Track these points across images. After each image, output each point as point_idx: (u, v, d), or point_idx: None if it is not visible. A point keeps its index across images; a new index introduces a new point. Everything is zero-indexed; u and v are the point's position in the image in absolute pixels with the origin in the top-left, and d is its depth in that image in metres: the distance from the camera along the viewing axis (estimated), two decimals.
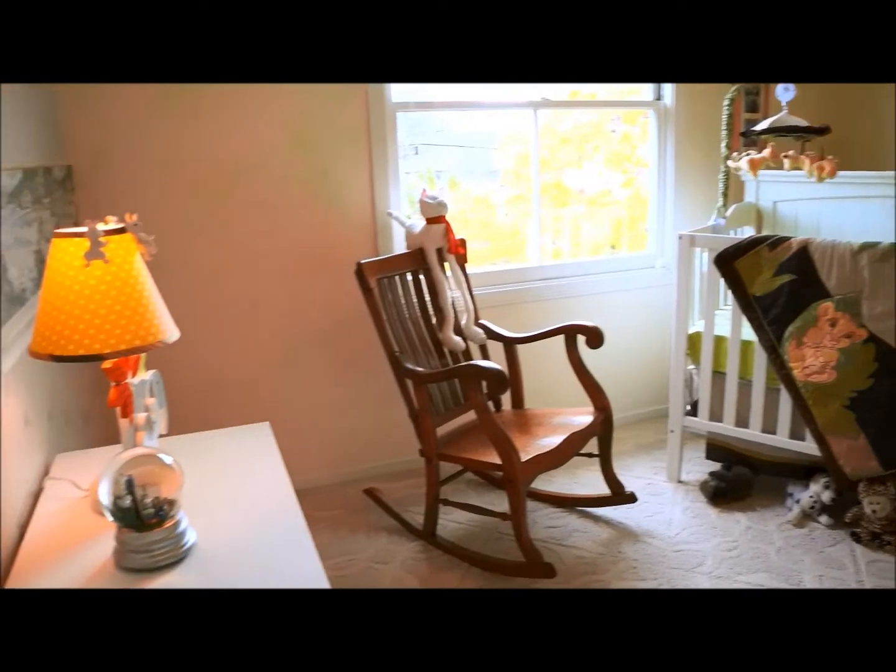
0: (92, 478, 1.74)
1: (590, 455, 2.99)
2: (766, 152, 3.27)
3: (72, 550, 1.52)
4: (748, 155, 3.34)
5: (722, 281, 3.02)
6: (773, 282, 2.86)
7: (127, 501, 1.42)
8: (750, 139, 3.50)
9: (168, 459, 1.50)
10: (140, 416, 1.69)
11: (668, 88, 3.80)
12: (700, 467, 3.42)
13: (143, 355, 1.78)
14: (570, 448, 2.74)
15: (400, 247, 3.30)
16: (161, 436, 1.85)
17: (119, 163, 2.85)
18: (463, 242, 3.17)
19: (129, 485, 1.43)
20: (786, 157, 3.24)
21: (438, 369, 2.95)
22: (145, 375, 1.77)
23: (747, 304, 2.93)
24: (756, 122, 3.56)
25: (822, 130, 3.23)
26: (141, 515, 1.43)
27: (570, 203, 3.95)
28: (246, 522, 1.60)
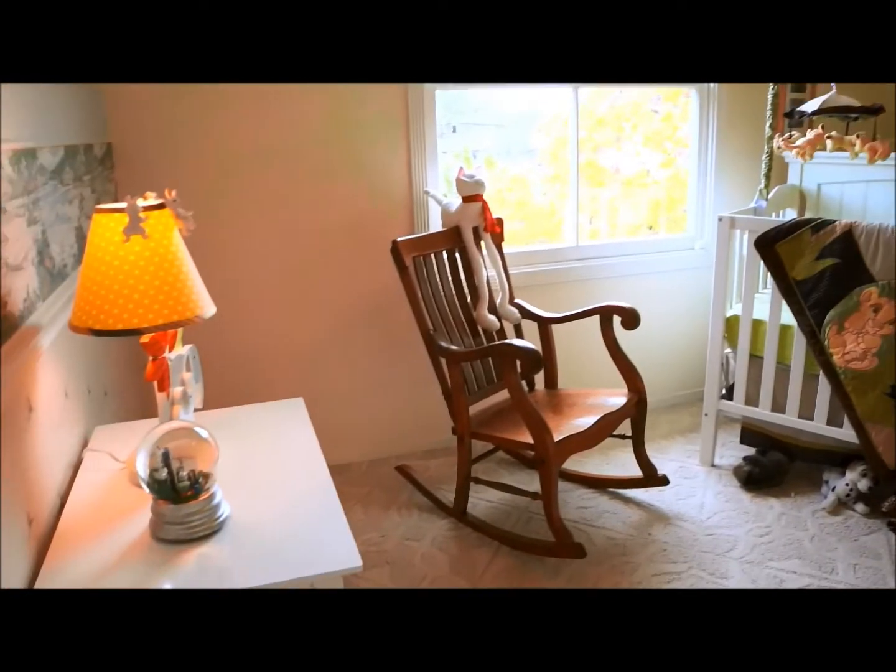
0: (129, 450, 1.77)
1: (623, 437, 2.98)
2: (812, 134, 3.19)
3: (109, 521, 1.55)
4: (790, 136, 3.27)
5: (762, 264, 2.97)
6: (815, 266, 2.80)
7: (163, 474, 1.45)
8: (795, 120, 3.42)
9: (204, 433, 1.52)
10: (177, 391, 1.72)
11: None
12: (734, 452, 3.39)
13: (180, 330, 1.80)
14: (604, 429, 2.73)
15: (436, 225, 3.29)
16: (196, 410, 1.89)
17: (159, 140, 2.88)
18: (500, 221, 3.16)
19: (166, 457, 1.46)
20: (829, 137, 3.17)
21: (472, 348, 2.96)
22: (182, 350, 1.79)
23: (788, 288, 2.88)
24: (802, 103, 3.48)
25: (875, 110, 3.15)
26: (177, 488, 1.46)
27: (605, 183, 3.90)
28: (280, 496, 1.63)
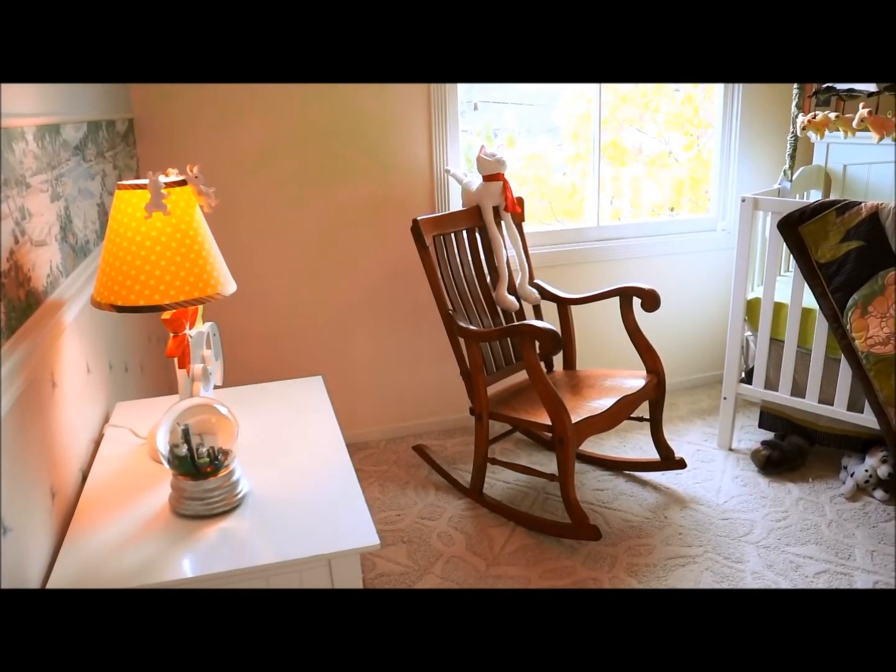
0: (150, 426, 1.79)
1: (641, 419, 2.98)
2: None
3: (130, 496, 1.57)
4: (815, 116, 3.21)
5: (784, 246, 2.94)
6: (840, 248, 2.77)
7: (183, 450, 1.46)
8: (822, 99, 3.37)
9: (223, 410, 1.53)
10: (197, 367, 1.72)
11: None
12: (753, 436, 3.38)
13: (201, 307, 1.81)
14: (622, 411, 2.73)
15: (456, 204, 3.28)
16: (217, 387, 1.90)
17: (182, 116, 2.88)
18: (520, 201, 3.14)
19: (186, 433, 1.46)
20: (837, 118, 3.12)
21: (492, 328, 2.95)
22: (203, 327, 1.80)
23: (811, 270, 2.85)
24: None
25: None
26: (197, 464, 1.47)
27: (627, 163, 3.86)
28: (299, 473, 1.64)
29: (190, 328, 1.74)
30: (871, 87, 3.10)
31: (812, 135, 3.33)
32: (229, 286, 1.62)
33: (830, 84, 3.24)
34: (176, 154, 2.83)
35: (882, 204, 2.68)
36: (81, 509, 1.52)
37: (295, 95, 2.99)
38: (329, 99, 3.04)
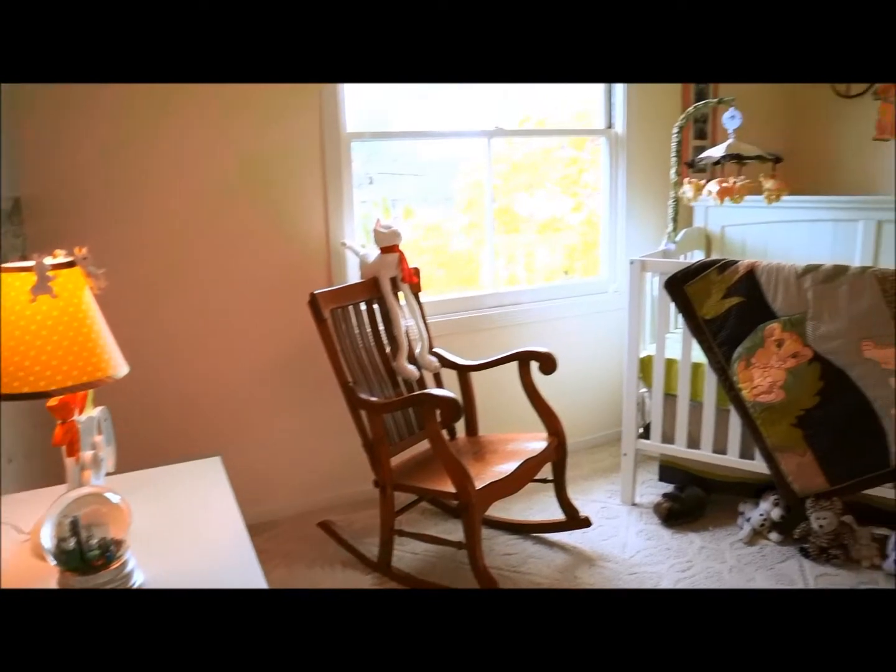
0: (35, 520, 1.70)
1: (545, 481, 3.01)
2: (717, 181, 3.31)
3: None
4: (705, 183, 3.40)
5: (673, 304, 3.08)
6: (723, 304, 2.92)
7: (71, 543, 1.40)
8: (698, 167, 3.57)
9: (115, 498, 1.48)
10: (87, 455, 1.66)
11: (620, 116, 3.87)
12: (654, 489, 3.46)
13: (90, 391, 1.76)
14: (525, 474, 2.76)
15: (354, 276, 3.31)
16: (109, 474, 1.83)
17: (70, 194, 2.82)
18: (417, 271, 3.19)
19: (74, 526, 1.40)
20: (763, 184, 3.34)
21: (393, 398, 2.96)
22: (93, 412, 1.74)
23: (697, 326, 2.99)
24: (704, 149, 3.64)
25: (777, 159, 3.31)
26: (85, 557, 1.41)
27: (521, 229, 3.99)
28: (196, 561, 1.58)
29: (79, 414, 1.69)
30: (719, 153, 3.31)
31: (687, 192, 3.50)
32: (120, 368, 1.58)
33: (704, 156, 3.44)
34: (67, 232, 2.77)
35: (757, 262, 2.85)
36: None
37: (188, 169, 2.97)
38: (223, 172, 3.03)
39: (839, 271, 2.68)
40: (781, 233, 3.77)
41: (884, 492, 2.75)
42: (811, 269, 2.73)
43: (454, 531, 3.11)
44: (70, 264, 1.52)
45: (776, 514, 3.00)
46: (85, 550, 1.41)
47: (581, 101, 3.99)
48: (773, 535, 3.02)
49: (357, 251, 3.21)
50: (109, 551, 1.43)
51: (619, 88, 3.85)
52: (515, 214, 3.96)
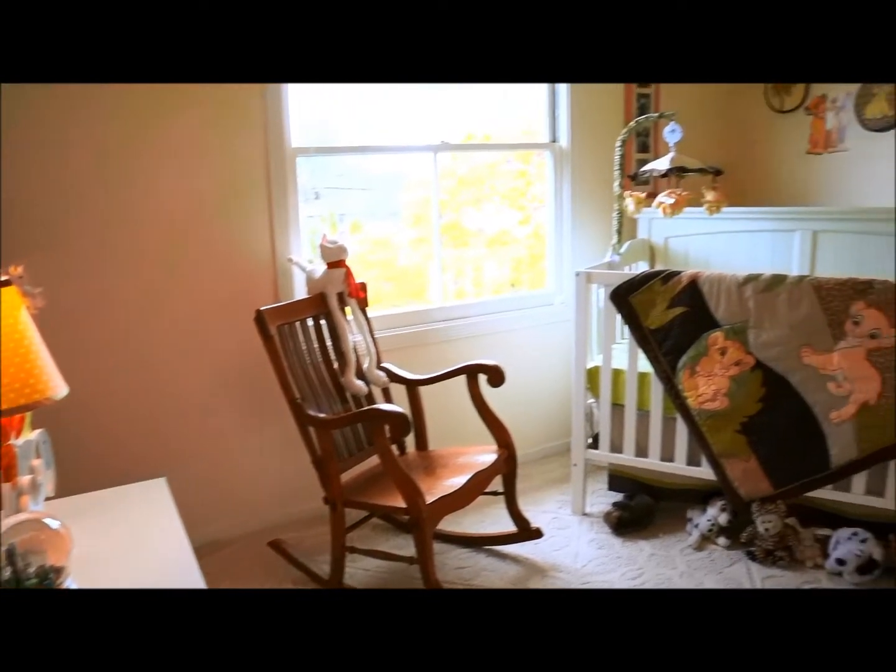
0: None
1: (495, 493, 3.02)
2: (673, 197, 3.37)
3: None
4: (647, 196, 3.46)
5: (618, 316, 3.11)
6: (667, 314, 2.96)
7: (7, 573, 1.36)
8: (640, 179, 3.63)
9: (55, 524, 1.45)
10: (25, 479, 1.63)
11: (564, 130, 3.92)
12: (604, 499, 3.49)
13: (28, 414, 1.72)
14: (476, 487, 2.76)
15: (301, 292, 3.29)
16: (48, 498, 1.79)
17: (10, 211, 2.76)
18: (363, 286, 3.18)
19: (10, 554, 1.37)
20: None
21: (341, 414, 2.94)
22: (31, 435, 1.71)
23: (643, 337, 3.03)
24: (646, 162, 3.70)
25: (717, 172, 3.38)
26: (23, 587, 1.37)
27: (469, 244, 4.01)
28: (139, 585, 1.56)
29: (16, 437, 1.65)
30: (664, 166, 3.38)
31: (630, 204, 3.55)
32: (60, 389, 1.55)
33: (646, 168, 3.50)
34: (7, 250, 2.70)
35: (699, 272, 2.91)
36: None
37: (133, 186, 2.92)
38: (167, 189, 2.99)
39: (778, 280, 2.74)
40: (722, 243, 3.85)
41: (824, 493, 2.82)
42: (752, 279, 2.79)
43: (406, 546, 3.10)
44: (6, 283, 1.49)
45: (723, 519, 3.06)
46: (22, 579, 1.37)
47: (525, 116, 4.03)
48: (721, 540, 3.06)
49: (304, 267, 3.19)
50: (48, 579, 1.40)
51: (563, 103, 3.90)
52: (464, 229, 3.97)
